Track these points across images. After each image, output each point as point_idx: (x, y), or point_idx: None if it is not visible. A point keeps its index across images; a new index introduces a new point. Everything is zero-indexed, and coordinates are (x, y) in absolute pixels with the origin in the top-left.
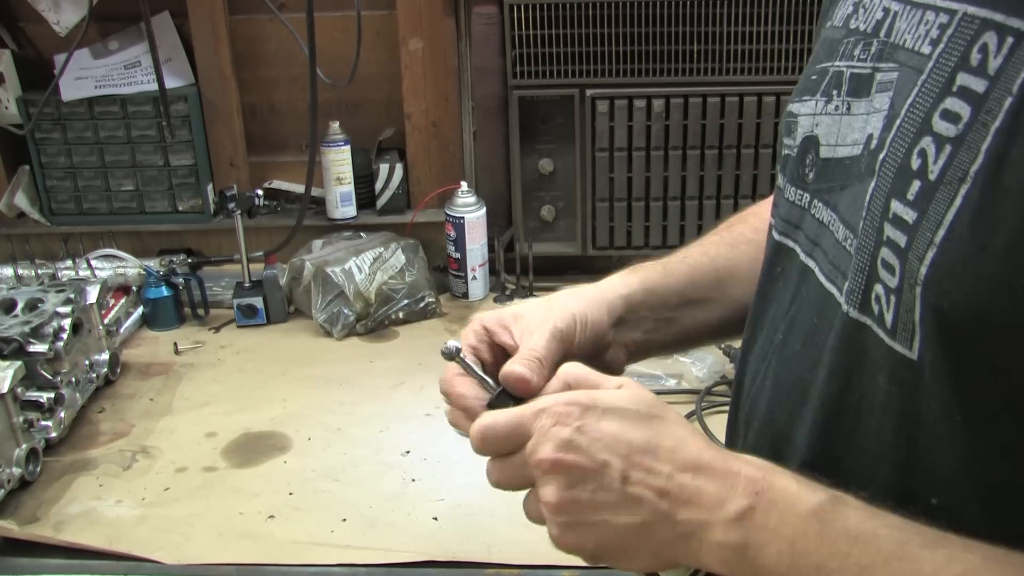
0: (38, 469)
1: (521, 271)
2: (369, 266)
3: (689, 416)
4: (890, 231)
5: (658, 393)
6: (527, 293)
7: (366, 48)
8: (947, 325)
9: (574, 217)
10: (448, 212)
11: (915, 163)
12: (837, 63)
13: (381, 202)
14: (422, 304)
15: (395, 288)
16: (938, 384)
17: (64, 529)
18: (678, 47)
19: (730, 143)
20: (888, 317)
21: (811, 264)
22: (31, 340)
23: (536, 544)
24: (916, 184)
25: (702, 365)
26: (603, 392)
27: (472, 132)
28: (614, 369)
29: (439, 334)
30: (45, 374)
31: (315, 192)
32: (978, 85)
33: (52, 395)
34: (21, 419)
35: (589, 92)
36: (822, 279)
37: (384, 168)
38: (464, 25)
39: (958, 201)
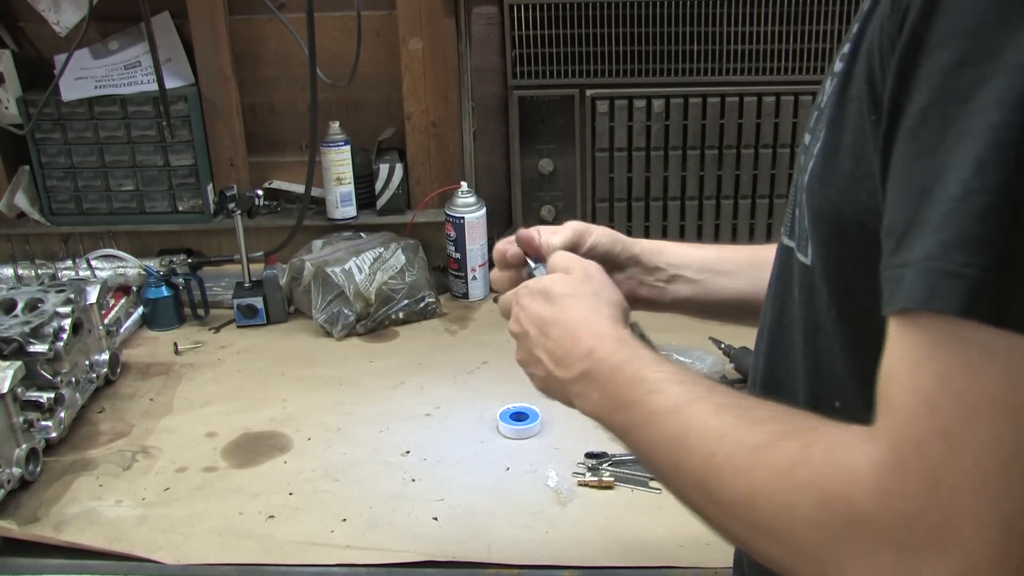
0: (38, 469)
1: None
2: (369, 266)
3: None
4: (801, 158)
5: None
6: None
7: (366, 48)
8: (819, 223)
9: (574, 217)
10: (448, 212)
11: (819, 99)
12: None
13: (381, 202)
14: (422, 304)
15: (395, 288)
16: (822, 283)
17: (64, 529)
18: (678, 47)
19: (730, 143)
20: (797, 232)
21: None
22: (31, 340)
23: (536, 544)
24: (815, 114)
25: (702, 365)
26: (548, 279)
27: (472, 132)
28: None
29: (439, 334)
30: (45, 374)
31: (315, 192)
32: (855, 27)
33: (52, 395)
34: (21, 419)
35: (589, 92)
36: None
37: (384, 168)
38: (464, 25)
39: (828, 117)
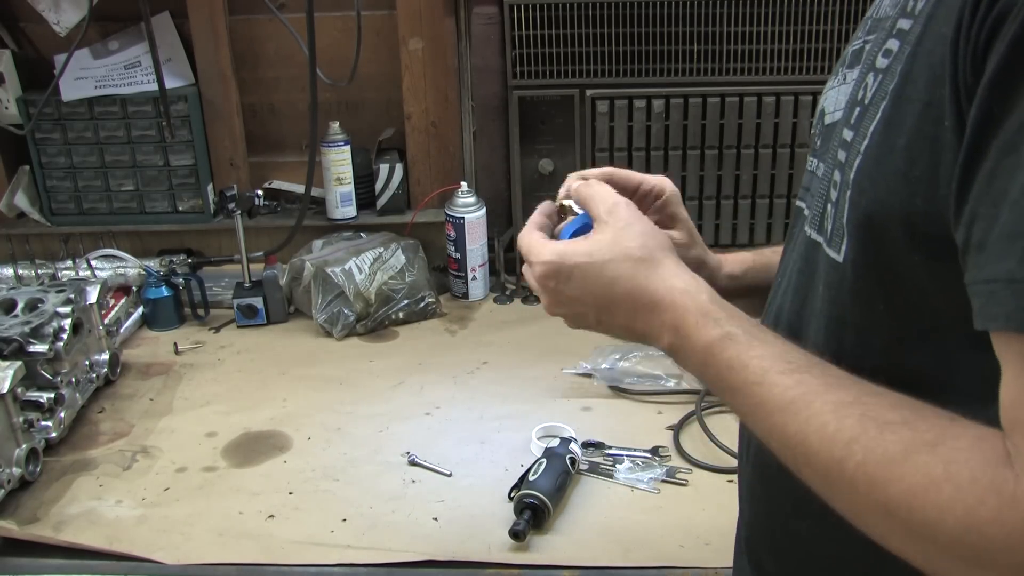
0: (38, 469)
1: (521, 271)
2: (369, 266)
3: (689, 416)
4: (840, 154)
5: (658, 393)
6: (527, 293)
7: (366, 48)
8: (865, 220)
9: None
10: (448, 212)
11: (859, 94)
12: (851, 46)
13: (381, 202)
14: (422, 304)
15: (395, 288)
16: (860, 280)
17: (64, 529)
18: (678, 47)
19: (730, 143)
20: (828, 228)
21: (805, 210)
22: (31, 340)
23: (536, 544)
24: (857, 110)
25: None
26: (571, 252)
27: (472, 132)
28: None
29: (439, 334)
30: (45, 374)
31: (315, 192)
32: (906, 24)
33: (52, 395)
34: (21, 419)
35: (589, 92)
36: (807, 219)
37: (384, 168)
38: (464, 25)
39: (878, 115)
